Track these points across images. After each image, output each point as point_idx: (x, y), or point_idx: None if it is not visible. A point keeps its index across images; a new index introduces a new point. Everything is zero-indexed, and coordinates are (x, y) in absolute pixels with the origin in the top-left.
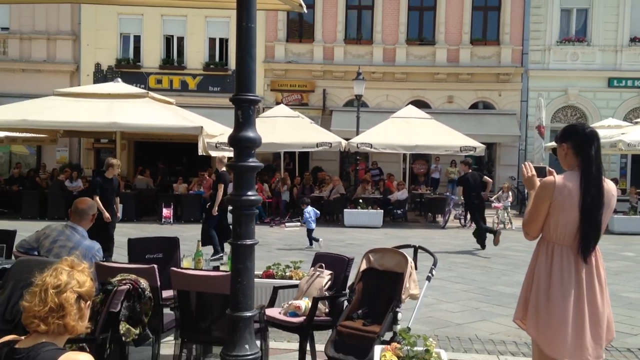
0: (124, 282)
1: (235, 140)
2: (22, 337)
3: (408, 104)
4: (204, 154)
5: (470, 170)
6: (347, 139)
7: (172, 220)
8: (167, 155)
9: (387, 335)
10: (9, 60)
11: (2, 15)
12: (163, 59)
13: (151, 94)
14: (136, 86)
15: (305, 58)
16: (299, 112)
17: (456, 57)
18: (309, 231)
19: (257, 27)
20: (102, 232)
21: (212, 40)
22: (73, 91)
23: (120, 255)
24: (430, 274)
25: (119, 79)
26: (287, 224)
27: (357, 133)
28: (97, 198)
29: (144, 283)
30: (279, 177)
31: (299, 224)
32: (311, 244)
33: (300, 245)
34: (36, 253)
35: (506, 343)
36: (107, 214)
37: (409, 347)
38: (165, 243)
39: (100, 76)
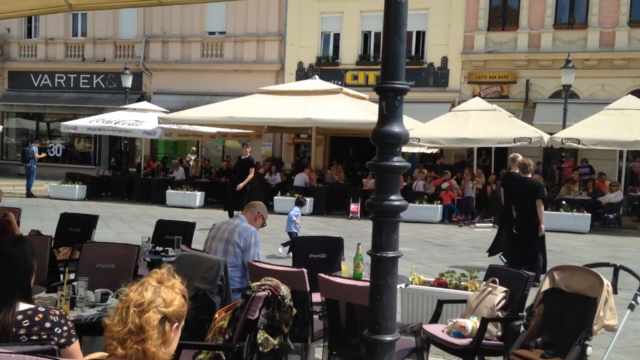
0: (263, 287)
1: (377, 136)
2: (107, 355)
3: (628, 94)
4: None
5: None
6: (552, 134)
7: (359, 215)
8: (360, 150)
9: None
10: (224, 62)
11: (220, 20)
12: (360, 55)
13: (345, 89)
14: (334, 82)
15: (507, 47)
16: (498, 105)
17: None
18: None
19: (456, 17)
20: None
21: (409, 34)
22: (274, 89)
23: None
24: (634, 302)
25: (316, 76)
26: (477, 224)
27: (564, 127)
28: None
29: (284, 290)
30: (469, 173)
31: (491, 224)
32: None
33: None
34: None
35: None
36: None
37: None
38: (330, 243)
39: (302, 74)
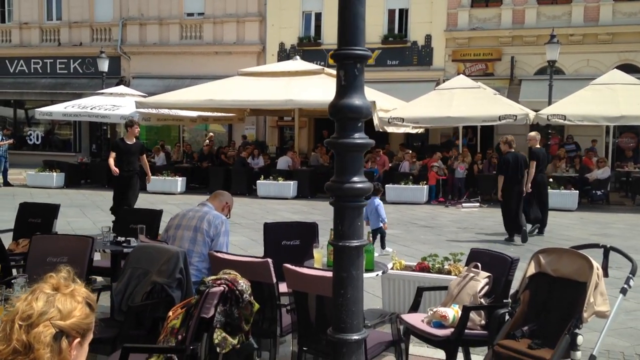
0: (218, 282)
1: (336, 110)
2: None
3: (613, 69)
4: (380, 129)
5: (512, 150)
6: (537, 111)
7: None
8: None
9: None
10: (204, 44)
11: (198, 1)
12: None
13: (327, 70)
14: (316, 63)
15: (491, 24)
16: (482, 83)
17: None
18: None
19: None
20: None
21: (391, 12)
22: (254, 70)
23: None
24: (626, 285)
25: (297, 57)
26: (464, 204)
27: (550, 103)
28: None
29: (243, 284)
30: (455, 153)
31: (478, 204)
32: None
33: (477, 229)
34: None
35: None
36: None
37: None
38: (303, 229)
39: (284, 55)
